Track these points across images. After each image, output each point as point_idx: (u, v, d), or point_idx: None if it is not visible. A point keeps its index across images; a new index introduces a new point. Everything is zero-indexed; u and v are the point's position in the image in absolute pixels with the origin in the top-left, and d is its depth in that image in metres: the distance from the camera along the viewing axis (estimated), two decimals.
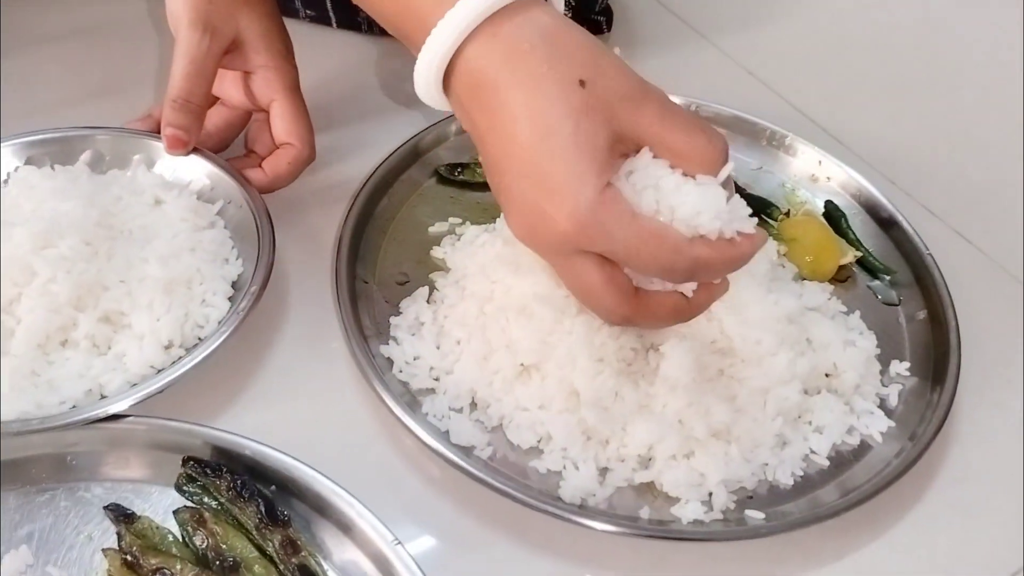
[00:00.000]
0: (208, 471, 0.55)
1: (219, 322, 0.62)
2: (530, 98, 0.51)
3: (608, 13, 0.90)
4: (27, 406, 0.56)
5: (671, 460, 0.59)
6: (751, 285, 0.64)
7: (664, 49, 0.95)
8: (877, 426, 0.64)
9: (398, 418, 0.59)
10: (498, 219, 0.72)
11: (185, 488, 0.55)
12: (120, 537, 0.53)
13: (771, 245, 0.70)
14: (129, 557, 0.52)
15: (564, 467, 0.59)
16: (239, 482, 0.54)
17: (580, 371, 0.60)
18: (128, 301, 0.61)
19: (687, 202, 0.52)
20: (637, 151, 0.53)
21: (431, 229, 0.74)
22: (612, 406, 0.60)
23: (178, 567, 0.51)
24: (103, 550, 0.53)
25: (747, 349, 0.63)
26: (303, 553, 0.52)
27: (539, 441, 0.61)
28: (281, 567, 0.52)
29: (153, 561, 0.51)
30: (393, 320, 0.67)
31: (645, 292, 0.55)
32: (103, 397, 0.58)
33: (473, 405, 0.63)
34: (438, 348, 0.64)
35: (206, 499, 0.55)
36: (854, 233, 0.75)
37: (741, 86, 0.92)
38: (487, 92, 0.52)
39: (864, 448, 0.63)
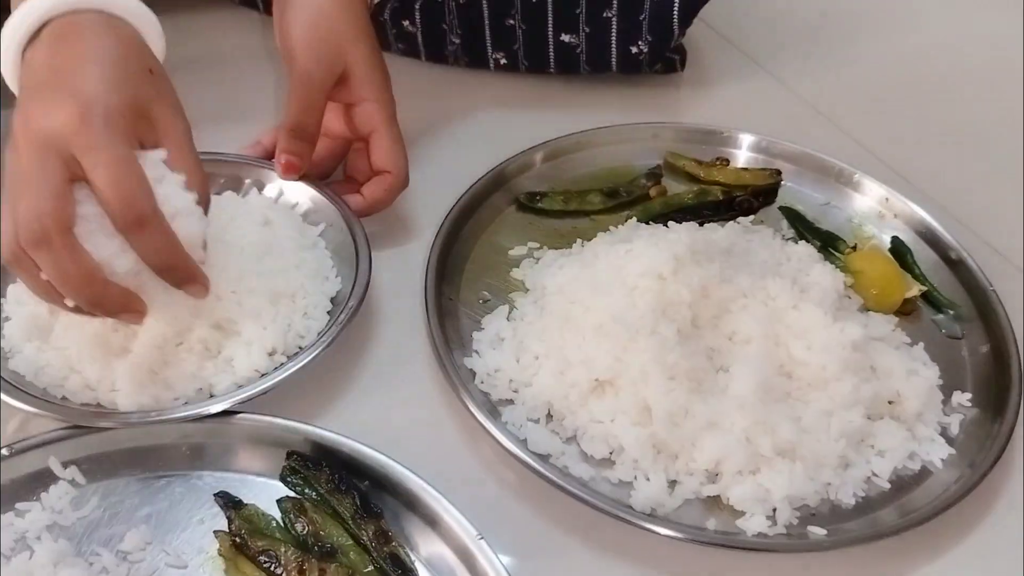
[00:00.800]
0: (310, 465, 0.60)
1: (318, 333, 0.68)
2: None
3: (681, 52, 0.95)
4: (146, 400, 0.63)
5: (738, 475, 0.63)
6: (818, 313, 0.68)
7: (734, 86, 0.99)
8: (938, 453, 0.66)
9: (481, 425, 0.64)
10: (575, 244, 0.77)
11: (289, 479, 0.61)
12: (230, 521, 0.59)
13: (838, 276, 0.74)
14: (238, 539, 0.57)
15: (635, 478, 0.64)
16: (337, 476, 0.59)
17: (653, 387, 0.64)
18: (238, 311, 0.67)
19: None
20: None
21: (511, 252, 0.79)
22: (682, 422, 0.64)
23: (282, 549, 0.56)
24: (215, 532, 0.58)
25: (812, 373, 0.67)
26: (394, 544, 0.57)
27: (611, 453, 0.65)
28: (374, 555, 0.57)
29: (259, 543, 0.57)
30: (475, 335, 0.72)
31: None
32: (211, 396, 0.64)
33: (549, 416, 0.67)
34: (518, 361, 0.69)
35: (307, 490, 0.60)
36: (919, 268, 0.79)
37: (809, 123, 0.95)
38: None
39: (924, 474, 0.66)
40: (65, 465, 0.60)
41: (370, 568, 0.57)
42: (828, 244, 0.80)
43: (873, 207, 0.84)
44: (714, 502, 0.63)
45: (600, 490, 0.63)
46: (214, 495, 0.60)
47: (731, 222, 0.80)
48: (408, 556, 0.58)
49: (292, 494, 0.60)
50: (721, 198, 0.83)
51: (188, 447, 0.62)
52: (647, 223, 0.79)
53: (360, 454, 0.61)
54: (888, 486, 0.65)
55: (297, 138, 0.74)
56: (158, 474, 0.61)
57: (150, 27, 0.63)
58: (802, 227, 0.82)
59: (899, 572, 0.62)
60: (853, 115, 0.96)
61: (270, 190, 0.77)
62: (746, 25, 1.06)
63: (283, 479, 0.61)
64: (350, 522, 0.58)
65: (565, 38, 0.91)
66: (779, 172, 0.85)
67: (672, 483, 0.64)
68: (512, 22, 0.91)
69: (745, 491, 0.62)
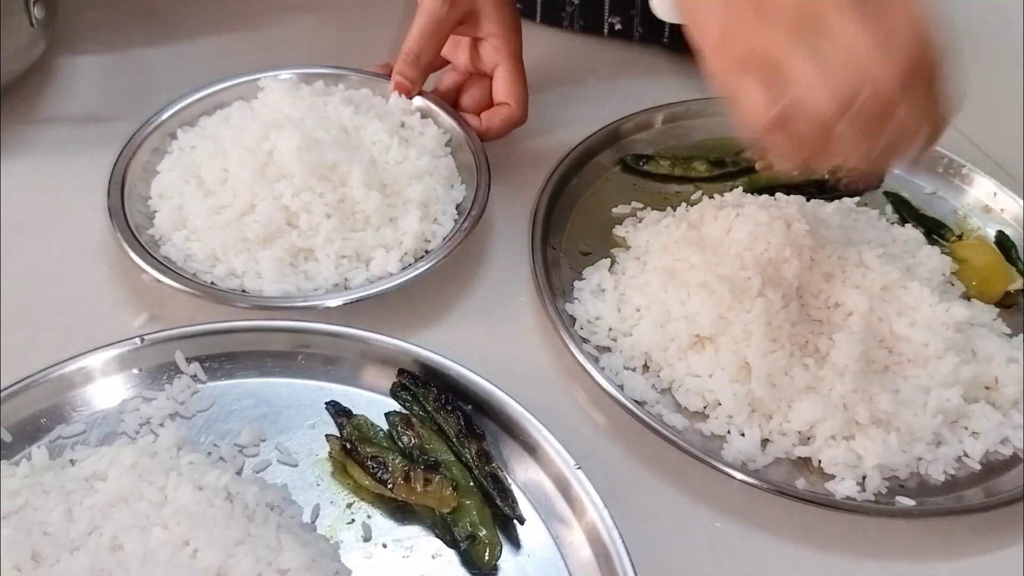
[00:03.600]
0: (419, 383, 0.64)
1: (443, 238, 0.73)
2: None
3: None
4: (289, 287, 0.69)
5: (831, 439, 0.66)
6: (924, 292, 0.71)
7: None
8: None
9: (581, 366, 0.68)
10: (679, 207, 0.81)
11: (399, 394, 0.65)
12: (340, 427, 0.63)
13: (945, 260, 0.77)
14: (348, 444, 0.62)
15: (728, 432, 0.67)
16: (444, 396, 0.63)
17: (755, 347, 0.67)
18: (377, 211, 0.72)
19: None
20: None
21: (614, 210, 0.82)
22: (781, 383, 0.67)
23: (390, 457, 0.61)
24: (326, 436, 0.63)
25: (914, 350, 0.69)
26: (494, 464, 0.61)
27: (705, 407, 0.69)
28: (475, 472, 0.61)
29: (369, 450, 0.61)
30: (577, 284, 0.76)
31: None
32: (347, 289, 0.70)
33: (646, 367, 0.71)
34: (619, 311, 0.73)
35: (415, 407, 0.64)
36: (1023, 263, 0.81)
37: None
38: None
39: (1015, 460, 0.68)
40: (189, 361, 0.65)
41: (471, 484, 0.61)
42: (933, 231, 0.82)
43: (979, 200, 0.86)
44: (804, 463, 0.66)
45: (692, 440, 0.66)
46: (326, 403, 0.64)
47: (836, 201, 0.82)
48: (506, 478, 0.61)
49: (401, 409, 0.64)
50: (828, 178, 0.85)
51: (304, 356, 0.66)
52: (753, 194, 0.81)
53: (465, 378, 0.64)
54: (979, 467, 0.67)
55: (412, 64, 0.79)
56: (274, 379, 0.66)
57: None
58: (907, 212, 0.84)
59: (984, 547, 0.64)
60: (964, 113, 0.96)
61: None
62: None
63: (393, 394, 0.65)
64: (454, 440, 0.62)
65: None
66: None
67: (764, 441, 0.67)
68: None
69: (837, 455, 0.65)
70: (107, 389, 0.64)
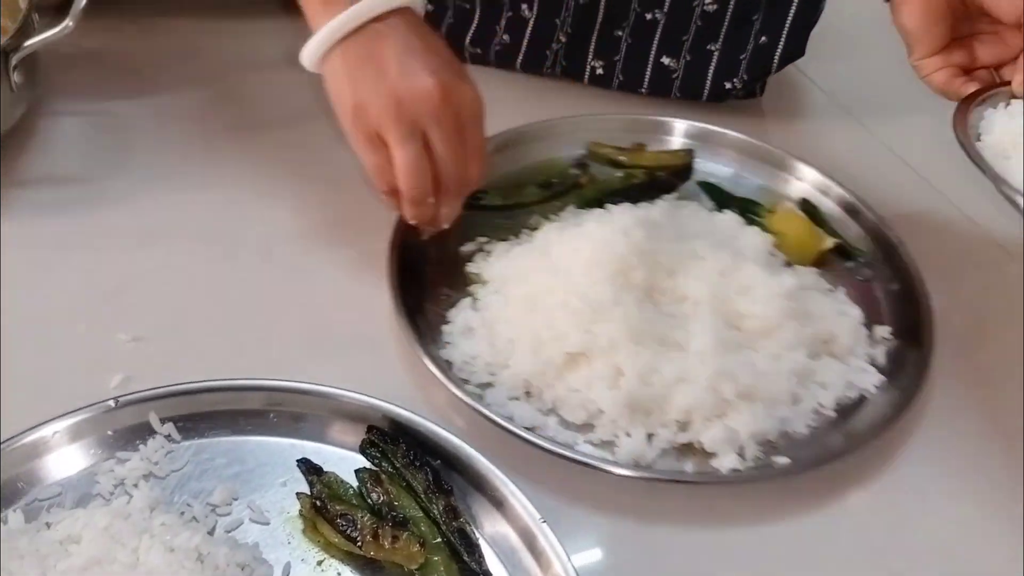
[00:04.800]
0: (387, 440, 0.66)
1: None
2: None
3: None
4: None
5: (707, 421, 0.71)
6: (756, 270, 0.78)
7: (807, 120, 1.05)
8: (871, 381, 0.76)
9: (468, 404, 0.70)
10: (522, 233, 0.85)
11: (368, 451, 0.67)
12: (311, 485, 0.65)
13: (766, 237, 0.84)
14: (318, 502, 0.63)
15: (616, 436, 0.71)
16: (412, 452, 0.65)
17: (623, 353, 0.72)
18: None
19: None
20: None
21: (462, 249, 0.85)
22: (652, 380, 0.72)
23: (359, 515, 0.62)
24: (297, 494, 0.64)
25: (759, 324, 0.76)
26: (462, 519, 0.63)
27: (590, 417, 0.72)
28: (443, 528, 0.62)
29: (338, 507, 0.63)
30: (445, 328, 0.78)
31: None
32: None
33: (528, 394, 0.74)
34: (492, 346, 0.76)
35: (384, 463, 0.66)
36: (828, 223, 0.88)
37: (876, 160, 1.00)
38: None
39: (863, 401, 0.75)
40: (163, 421, 0.67)
41: (439, 540, 0.62)
42: (747, 210, 0.88)
43: (777, 173, 0.93)
44: (688, 448, 0.71)
45: (585, 451, 0.70)
46: (297, 461, 0.66)
47: (659, 199, 0.88)
48: (474, 533, 0.63)
49: (370, 466, 0.66)
50: (645, 179, 0.91)
51: (276, 414, 0.68)
52: (584, 208, 0.86)
53: (434, 434, 0.66)
54: (834, 415, 0.74)
55: None
56: (247, 437, 0.67)
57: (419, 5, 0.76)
58: (721, 197, 0.90)
59: (853, 488, 0.72)
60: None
61: None
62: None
63: (362, 451, 0.67)
64: (422, 496, 0.64)
65: (665, 61, 0.98)
66: (692, 151, 0.93)
67: (649, 436, 0.71)
68: (620, 34, 0.97)
69: (715, 434, 0.70)
70: (82, 451, 0.65)
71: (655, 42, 0.97)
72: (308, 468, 0.65)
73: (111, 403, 0.65)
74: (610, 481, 0.68)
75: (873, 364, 0.77)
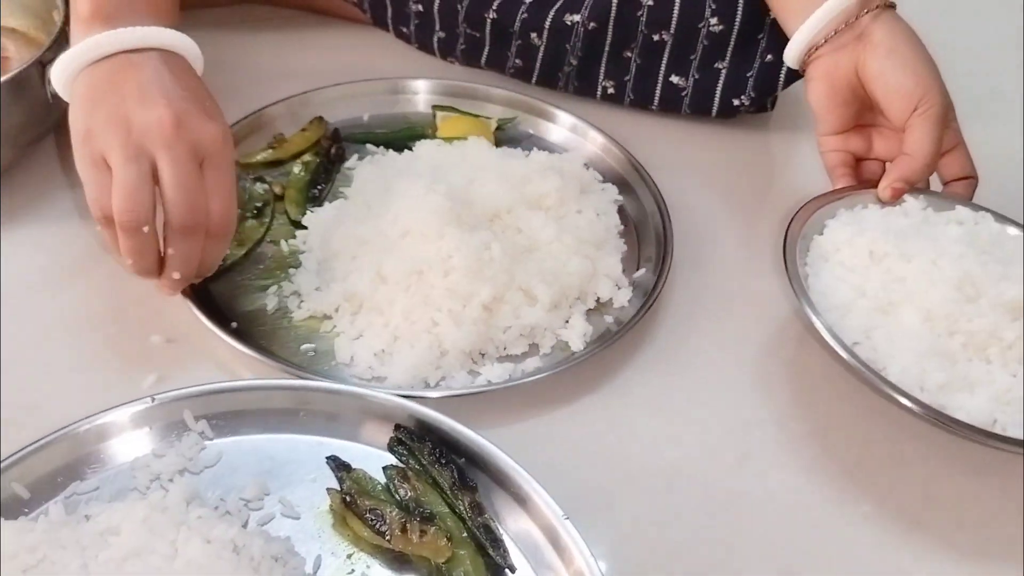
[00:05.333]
0: (414, 438, 0.68)
1: None
2: None
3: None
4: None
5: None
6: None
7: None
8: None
9: None
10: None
11: (395, 449, 0.69)
12: (341, 481, 0.67)
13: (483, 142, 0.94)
14: (347, 497, 0.65)
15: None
16: (438, 450, 0.67)
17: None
18: None
19: None
20: None
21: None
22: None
23: (387, 509, 0.64)
24: (328, 489, 0.66)
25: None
26: (487, 515, 0.64)
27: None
28: (469, 523, 0.64)
29: (367, 503, 0.65)
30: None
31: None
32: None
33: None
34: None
35: (411, 460, 0.68)
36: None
37: None
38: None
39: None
40: (197, 419, 0.69)
41: (465, 535, 0.64)
42: (415, 138, 0.95)
43: (416, 98, 1.01)
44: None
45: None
46: (326, 458, 0.68)
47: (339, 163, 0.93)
48: (498, 528, 0.65)
49: (397, 463, 0.68)
50: (318, 158, 0.92)
51: (305, 413, 0.70)
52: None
53: (458, 432, 0.68)
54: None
55: (926, 174, 0.83)
56: (277, 435, 0.70)
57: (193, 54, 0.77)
58: (383, 140, 0.96)
59: (618, 368, 0.80)
60: None
61: None
62: None
63: (390, 448, 0.69)
64: (448, 492, 0.66)
65: (674, 79, 1.00)
66: (320, 117, 0.95)
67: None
68: (629, 55, 1.00)
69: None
70: (119, 447, 0.67)
71: (663, 62, 0.99)
72: (337, 465, 0.67)
73: (148, 400, 0.68)
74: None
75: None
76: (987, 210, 0.82)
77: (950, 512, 0.72)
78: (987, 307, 0.73)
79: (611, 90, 1.02)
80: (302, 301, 0.80)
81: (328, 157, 0.92)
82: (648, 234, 0.89)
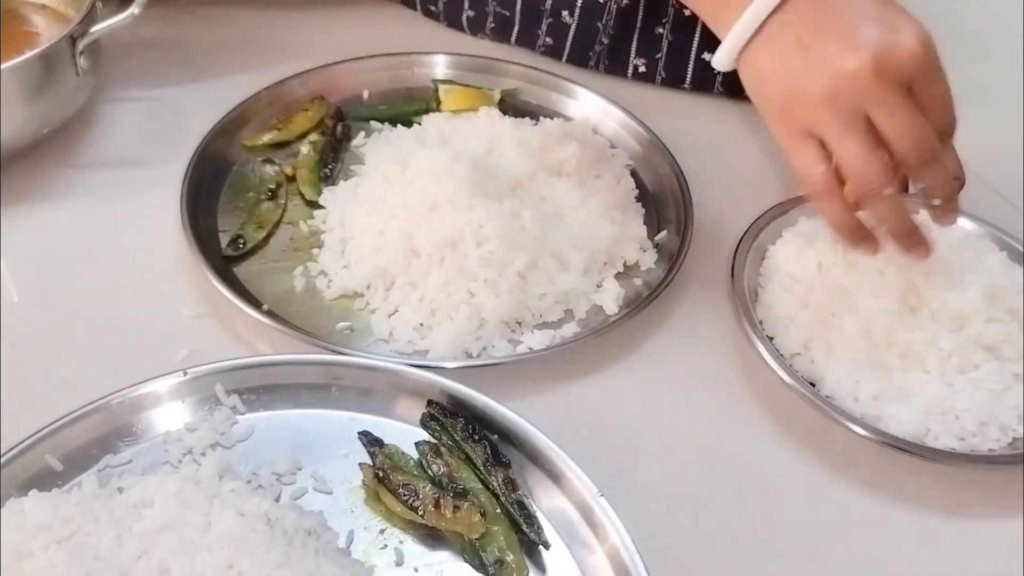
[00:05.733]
0: (447, 413, 0.67)
1: None
2: None
3: None
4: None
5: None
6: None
7: None
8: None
9: None
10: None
11: (428, 424, 0.68)
12: (373, 456, 0.67)
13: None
14: (380, 473, 0.65)
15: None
16: (471, 426, 0.66)
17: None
18: None
19: None
20: None
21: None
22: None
23: (420, 484, 0.64)
24: (360, 464, 0.66)
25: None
26: (520, 491, 0.64)
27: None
28: (502, 499, 0.64)
29: (400, 478, 0.64)
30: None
31: None
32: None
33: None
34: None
35: (443, 437, 0.68)
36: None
37: None
38: None
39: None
40: (228, 393, 0.69)
41: (498, 511, 0.64)
42: (420, 112, 0.95)
43: (415, 73, 0.99)
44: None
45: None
46: (358, 433, 0.68)
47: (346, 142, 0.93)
48: (531, 505, 0.64)
49: (430, 439, 0.68)
50: (325, 138, 0.92)
51: (337, 388, 0.70)
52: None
53: (491, 408, 0.68)
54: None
55: None
56: (309, 410, 0.69)
57: None
58: (387, 117, 0.95)
59: (647, 335, 0.80)
60: None
61: None
62: None
63: (423, 424, 0.68)
64: (481, 468, 0.65)
65: (707, 57, 0.99)
66: (321, 96, 0.94)
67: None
68: (661, 31, 0.98)
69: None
70: (152, 420, 0.67)
71: (695, 38, 0.98)
72: (370, 440, 0.67)
73: (180, 374, 0.68)
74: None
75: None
76: (969, 215, 0.81)
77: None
78: (928, 318, 0.73)
79: (642, 68, 1.01)
80: (331, 280, 0.79)
81: (335, 136, 0.91)
82: (665, 198, 0.89)
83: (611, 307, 0.79)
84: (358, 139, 0.93)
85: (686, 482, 0.70)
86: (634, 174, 0.91)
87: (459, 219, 0.77)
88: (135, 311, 0.77)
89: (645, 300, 0.77)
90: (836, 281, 0.76)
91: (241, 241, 0.81)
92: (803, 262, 0.78)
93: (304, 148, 0.90)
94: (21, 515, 0.59)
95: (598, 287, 0.80)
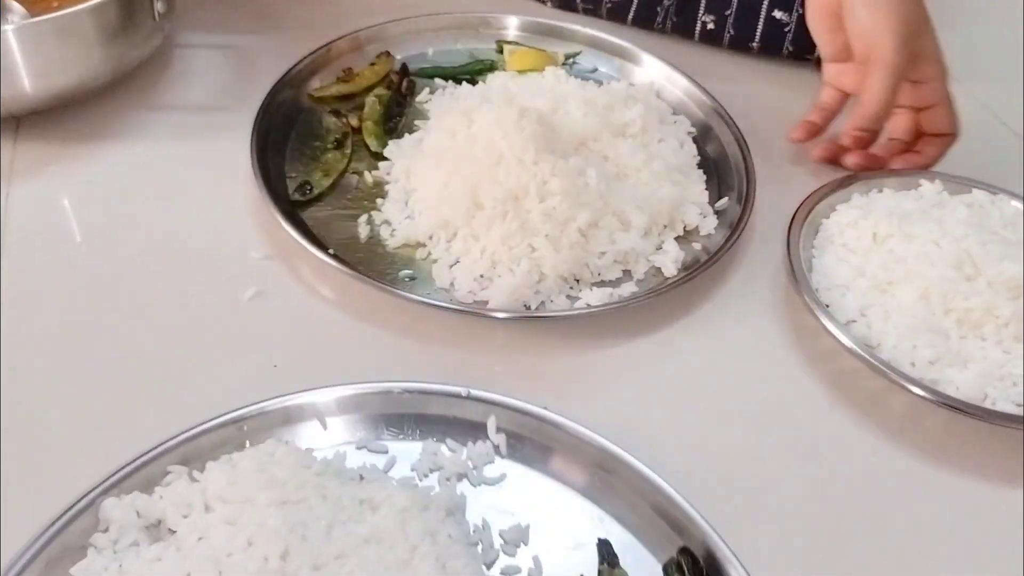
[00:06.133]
0: (695, 570, 0.56)
1: None
2: None
3: None
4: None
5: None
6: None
7: None
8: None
9: None
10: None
11: (669, 570, 0.56)
12: (600, 573, 0.56)
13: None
14: None
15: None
16: None
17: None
18: None
19: None
20: None
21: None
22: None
23: None
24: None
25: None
26: None
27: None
28: None
29: None
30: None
31: None
32: None
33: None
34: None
35: None
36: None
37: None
38: None
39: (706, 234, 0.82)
40: (498, 431, 0.61)
41: None
42: (483, 71, 0.93)
43: (480, 34, 0.97)
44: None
45: None
46: (599, 540, 0.58)
47: (410, 97, 0.91)
48: None
49: None
50: (389, 92, 0.90)
51: (601, 480, 0.59)
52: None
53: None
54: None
55: (876, 122, 0.81)
56: (564, 487, 0.59)
57: None
58: (451, 75, 0.93)
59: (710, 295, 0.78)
60: None
61: None
62: None
63: (666, 568, 0.57)
64: None
65: (777, 14, 0.97)
66: (388, 52, 0.94)
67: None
68: None
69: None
70: (419, 422, 0.61)
71: None
72: (606, 554, 0.57)
73: (461, 391, 0.61)
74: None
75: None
76: (1009, 192, 0.85)
77: None
78: (984, 285, 0.74)
79: (711, 26, 0.98)
80: (394, 230, 0.78)
81: (400, 91, 0.90)
82: (726, 165, 0.87)
83: (670, 269, 0.77)
84: (422, 95, 0.91)
85: (740, 446, 0.67)
86: (696, 141, 0.89)
87: (524, 174, 0.75)
88: (204, 250, 0.76)
89: (704, 264, 0.77)
90: (893, 251, 0.76)
91: (308, 187, 0.80)
92: (858, 233, 0.78)
93: (370, 101, 0.88)
94: (269, 458, 0.56)
95: (658, 249, 0.79)
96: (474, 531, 0.57)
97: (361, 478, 0.57)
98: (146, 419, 0.62)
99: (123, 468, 0.55)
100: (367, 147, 0.85)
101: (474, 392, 0.61)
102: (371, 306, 0.72)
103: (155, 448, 0.56)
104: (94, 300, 0.71)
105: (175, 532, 0.54)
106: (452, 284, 0.74)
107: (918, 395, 0.68)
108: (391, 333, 0.71)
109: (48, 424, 0.62)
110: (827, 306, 0.73)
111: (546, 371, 0.70)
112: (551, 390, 0.67)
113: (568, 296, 0.75)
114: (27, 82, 0.77)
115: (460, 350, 0.69)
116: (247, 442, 0.58)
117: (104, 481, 0.55)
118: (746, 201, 0.82)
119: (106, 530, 0.54)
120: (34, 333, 0.67)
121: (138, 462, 0.56)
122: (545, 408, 0.62)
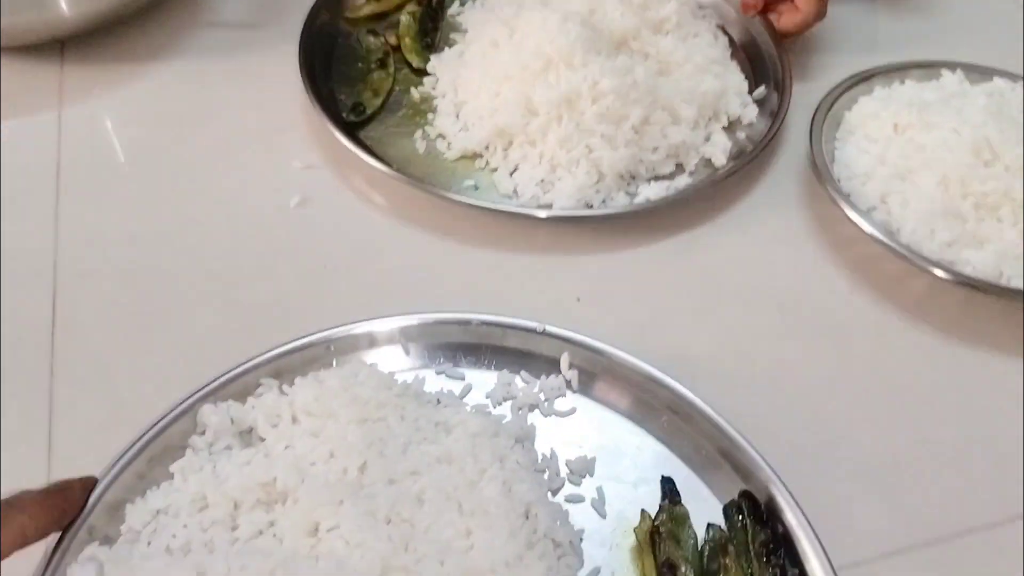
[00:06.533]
0: (754, 515, 0.58)
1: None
2: None
3: None
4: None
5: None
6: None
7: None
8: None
9: None
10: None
11: (730, 513, 0.59)
12: (661, 509, 0.59)
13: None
14: (656, 532, 0.57)
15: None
16: (774, 545, 0.57)
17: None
18: None
19: None
20: None
21: None
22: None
23: (683, 570, 0.56)
24: (643, 511, 0.59)
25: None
26: None
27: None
28: None
29: (669, 549, 0.57)
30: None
31: None
32: None
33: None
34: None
35: (738, 535, 0.58)
36: None
37: None
38: None
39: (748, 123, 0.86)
40: (571, 366, 0.64)
41: None
42: None
43: None
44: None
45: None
46: (663, 477, 0.60)
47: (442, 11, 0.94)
48: None
49: (724, 528, 0.59)
50: (423, 8, 0.93)
51: (669, 419, 0.62)
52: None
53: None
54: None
55: None
56: (632, 424, 0.62)
57: None
58: None
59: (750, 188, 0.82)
60: None
61: None
62: None
63: (726, 510, 0.60)
64: None
65: None
66: None
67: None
68: None
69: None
70: (496, 355, 0.64)
71: None
72: (668, 491, 0.60)
73: (536, 327, 0.64)
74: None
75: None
76: None
77: None
78: (1002, 170, 0.76)
79: None
80: (450, 143, 0.81)
81: (431, 6, 0.92)
82: (757, 54, 0.90)
83: (720, 159, 0.80)
84: (453, 8, 0.94)
85: (766, 328, 0.71)
86: (725, 32, 0.92)
87: (574, 77, 0.77)
88: (251, 156, 0.80)
89: (751, 153, 0.79)
90: (913, 140, 0.79)
91: (361, 107, 0.83)
92: (879, 124, 0.81)
93: (404, 18, 0.91)
94: (353, 378, 0.60)
95: (706, 140, 0.82)
96: (541, 460, 0.60)
97: (438, 402, 0.61)
98: (240, 337, 0.66)
99: (220, 377, 0.60)
100: (408, 64, 0.88)
101: (549, 328, 0.63)
102: (442, 220, 0.75)
103: (249, 361, 0.61)
104: (153, 214, 0.74)
105: (264, 440, 0.59)
106: (515, 191, 0.77)
107: (937, 276, 0.70)
108: (467, 243, 0.74)
109: (151, 338, 0.66)
110: (848, 195, 0.76)
111: (604, 268, 0.74)
112: (605, 286, 0.72)
113: (627, 192, 0.78)
114: (64, 5, 0.79)
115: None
116: (334, 361, 0.62)
117: (202, 388, 0.59)
118: (783, 90, 0.84)
119: (203, 433, 0.59)
120: (110, 255, 0.71)
121: (233, 373, 0.60)
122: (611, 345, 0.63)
